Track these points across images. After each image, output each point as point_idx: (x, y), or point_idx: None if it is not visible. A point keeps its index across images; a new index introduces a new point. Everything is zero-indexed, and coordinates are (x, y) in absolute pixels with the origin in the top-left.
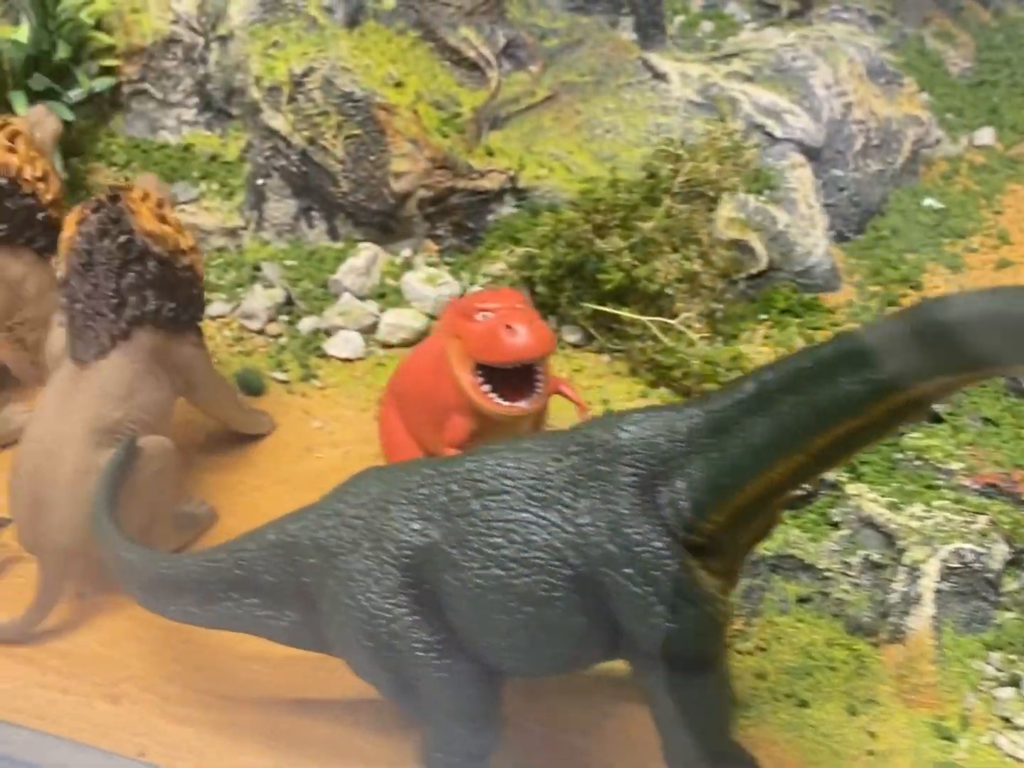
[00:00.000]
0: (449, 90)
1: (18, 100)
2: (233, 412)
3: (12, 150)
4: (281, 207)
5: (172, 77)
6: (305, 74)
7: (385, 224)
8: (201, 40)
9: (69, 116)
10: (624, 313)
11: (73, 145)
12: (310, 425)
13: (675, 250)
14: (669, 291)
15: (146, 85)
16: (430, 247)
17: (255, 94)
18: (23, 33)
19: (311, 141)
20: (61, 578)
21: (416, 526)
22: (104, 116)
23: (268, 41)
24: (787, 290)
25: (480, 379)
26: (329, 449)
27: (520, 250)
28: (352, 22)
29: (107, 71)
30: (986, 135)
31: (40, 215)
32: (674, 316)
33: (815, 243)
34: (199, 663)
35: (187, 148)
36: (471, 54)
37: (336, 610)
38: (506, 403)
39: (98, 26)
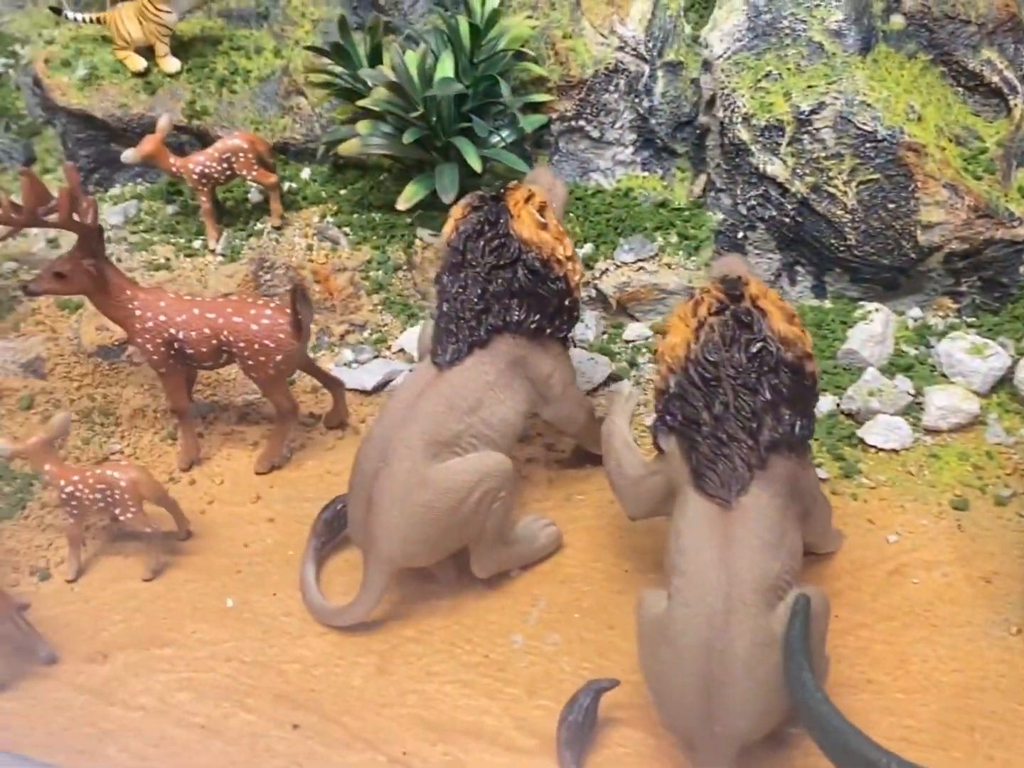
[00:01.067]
0: (966, 121)
1: (468, 151)
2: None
3: (544, 226)
4: (763, 263)
5: (611, 112)
6: (813, 111)
7: (892, 280)
8: (647, 68)
9: (478, 166)
10: None
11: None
12: (882, 537)
13: None
14: None
15: (581, 122)
16: (945, 305)
17: (743, 134)
18: (447, 68)
19: (814, 188)
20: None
21: None
22: (527, 157)
23: (759, 72)
24: None
25: None
26: (923, 572)
27: None
28: (865, 47)
29: (535, 107)
30: None
31: (568, 301)
32: None
33: None
34: None
35: (626, 193)
36: (994, 79)
37: None
38: None
39: (520, 55)
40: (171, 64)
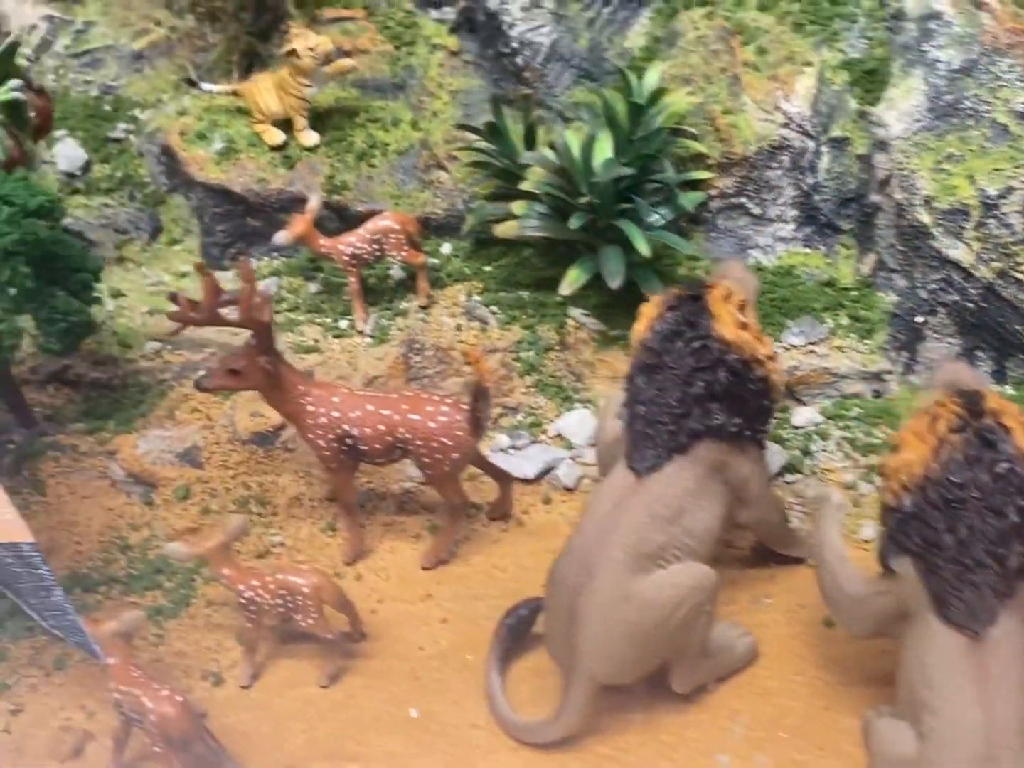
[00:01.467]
0: None
1: (635, 234)
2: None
3: (744, 325)
4: (940, 347)
5: (774, 189)
6: (1001, 195)
7: None
8: (811, 144)
9: (646, 250)
10: None
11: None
12: None
13: None
14: None
15: (742, 199)
16: None
17: (923, 217)
18: (606, 149)
19: (1001, 274)
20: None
21: None
22: (683, 234)
23: (941, 154)
24: None
25: None
26: None
27: None
28: None
29: (693, 184)
30: None
31: (768, 401)
32: None
33: None
34: None
35: (788, 271)
36: None
37: None
38: None
39: (678, 130)
40: (310, 138)
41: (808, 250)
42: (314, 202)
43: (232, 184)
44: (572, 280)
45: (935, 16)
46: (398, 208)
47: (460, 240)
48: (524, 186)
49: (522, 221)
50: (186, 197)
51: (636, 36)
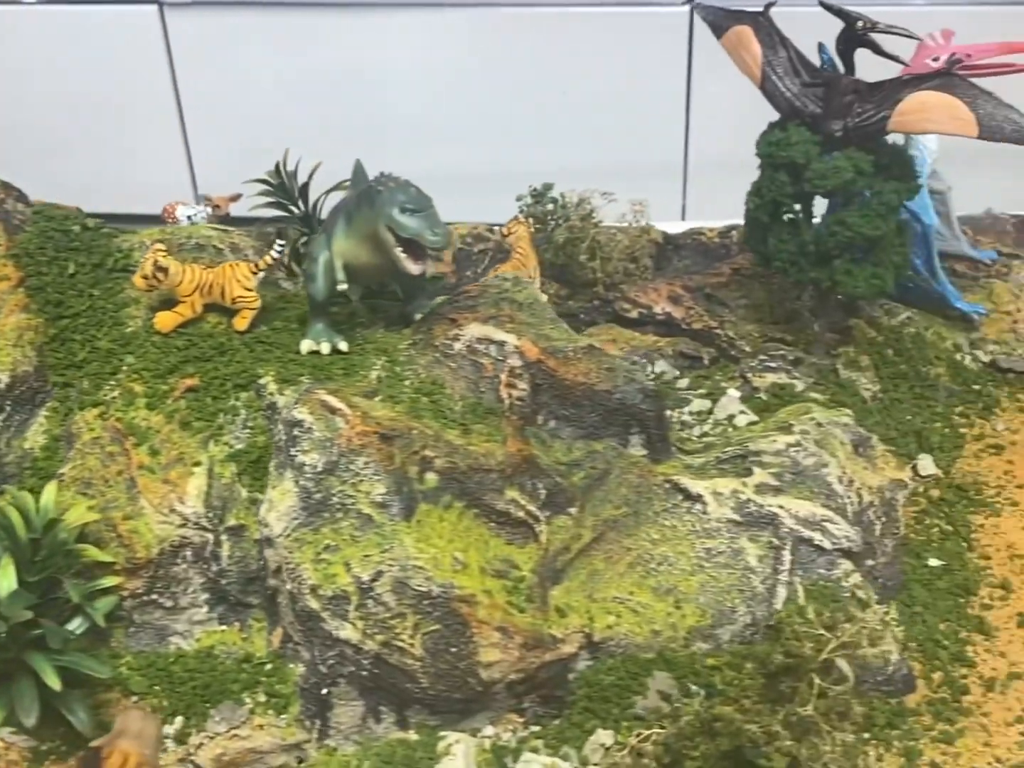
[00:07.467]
0: (503, 553)
1: (44, 667)
2: None
3: None
4: (348, 711)
5: (182, 581)
6: (373, 579)
7: (465, 708)
8: (211, 536)
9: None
10: None
11: None
12: None
13: (833, 727)
14: (833, 767)
15: (154, 596)
16: (513, 720)
17: (312, 603)
18: (11, 576)
19: (385, 644)
20: None
21: None
22: (100, 634)
23: (319, 546)
24: (877, 701)
25: None
26: None
27: (647, 732)
28: (408, 512)
29: (105, 591)
30: (928, 464)
31: None
32: None
33: (888, 648)
34: None
35: (209, 653)
36: (520, 514)
37: None
38: None
39: (82, 540)
40: None
41: (225, 627)
42: None
43: None
44: None
45: (298, 423)
46: None
47: None
48: None
49: None
50: None
51: (36, 435)
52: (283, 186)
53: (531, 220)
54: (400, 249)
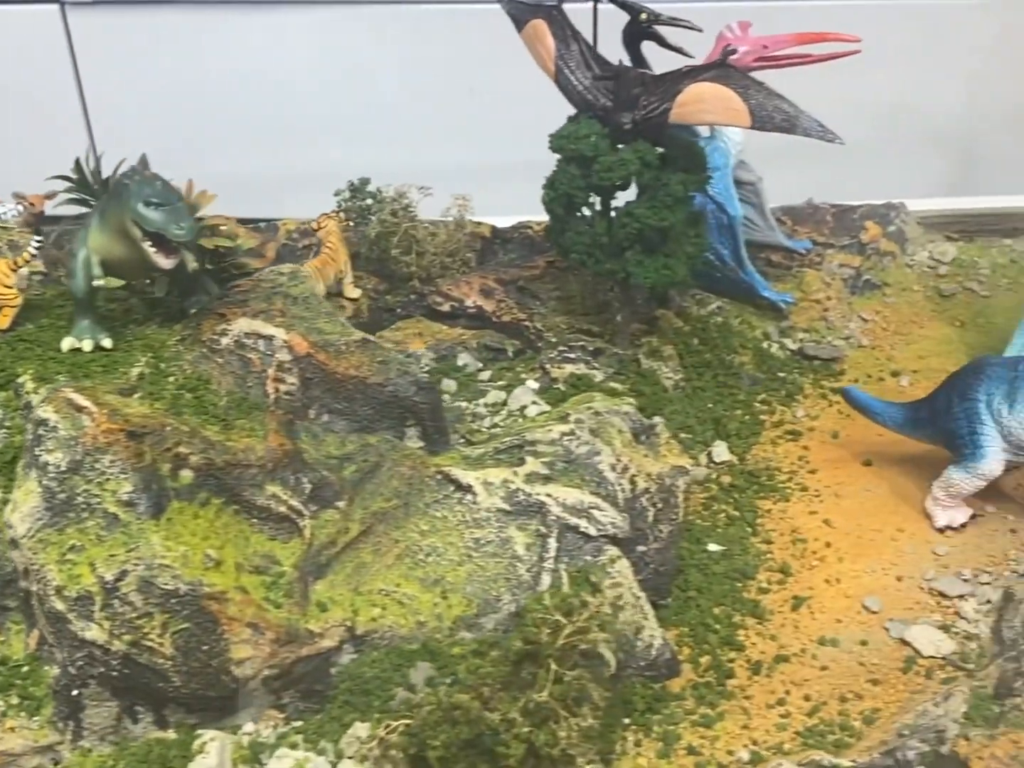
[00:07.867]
0: (263, 549)
1: None
2: None
3: None
4: (101, 711)
5: None
6: (118, 578)
7: (223, 705)
8: None
9: None
10: None
11: None
12: None
13: (571, 713)
14: (572, 751)
15: None
16: (274, 715)
17: (59, 605)
18: None
19: (133, 644)
20: None
21: None
22: None
23: (64, 546)
24: (639, 686)
25: None
26: None
27: (395, 724)
28: (158, 510)
29: None
30: (722, 451)
31: None
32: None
33: (651, 634)
34: None
35: None
36: (281, 509)
37: None
38: None
39: None
40: None
41: None
42: None
43: None
44: None
45: (43, 422)
46: None
47: None
48: None
49: None
50: None
51: None
52: (84, 182)
53: (343, 215)
54: (149, 243)
